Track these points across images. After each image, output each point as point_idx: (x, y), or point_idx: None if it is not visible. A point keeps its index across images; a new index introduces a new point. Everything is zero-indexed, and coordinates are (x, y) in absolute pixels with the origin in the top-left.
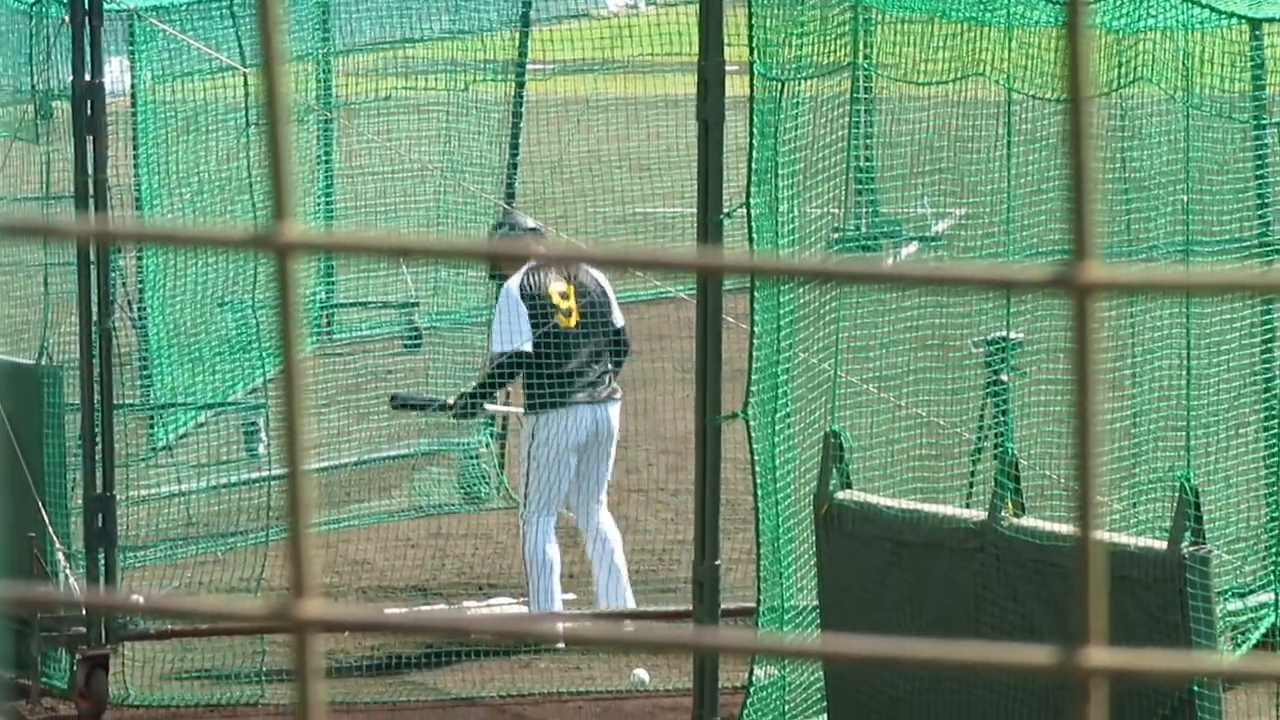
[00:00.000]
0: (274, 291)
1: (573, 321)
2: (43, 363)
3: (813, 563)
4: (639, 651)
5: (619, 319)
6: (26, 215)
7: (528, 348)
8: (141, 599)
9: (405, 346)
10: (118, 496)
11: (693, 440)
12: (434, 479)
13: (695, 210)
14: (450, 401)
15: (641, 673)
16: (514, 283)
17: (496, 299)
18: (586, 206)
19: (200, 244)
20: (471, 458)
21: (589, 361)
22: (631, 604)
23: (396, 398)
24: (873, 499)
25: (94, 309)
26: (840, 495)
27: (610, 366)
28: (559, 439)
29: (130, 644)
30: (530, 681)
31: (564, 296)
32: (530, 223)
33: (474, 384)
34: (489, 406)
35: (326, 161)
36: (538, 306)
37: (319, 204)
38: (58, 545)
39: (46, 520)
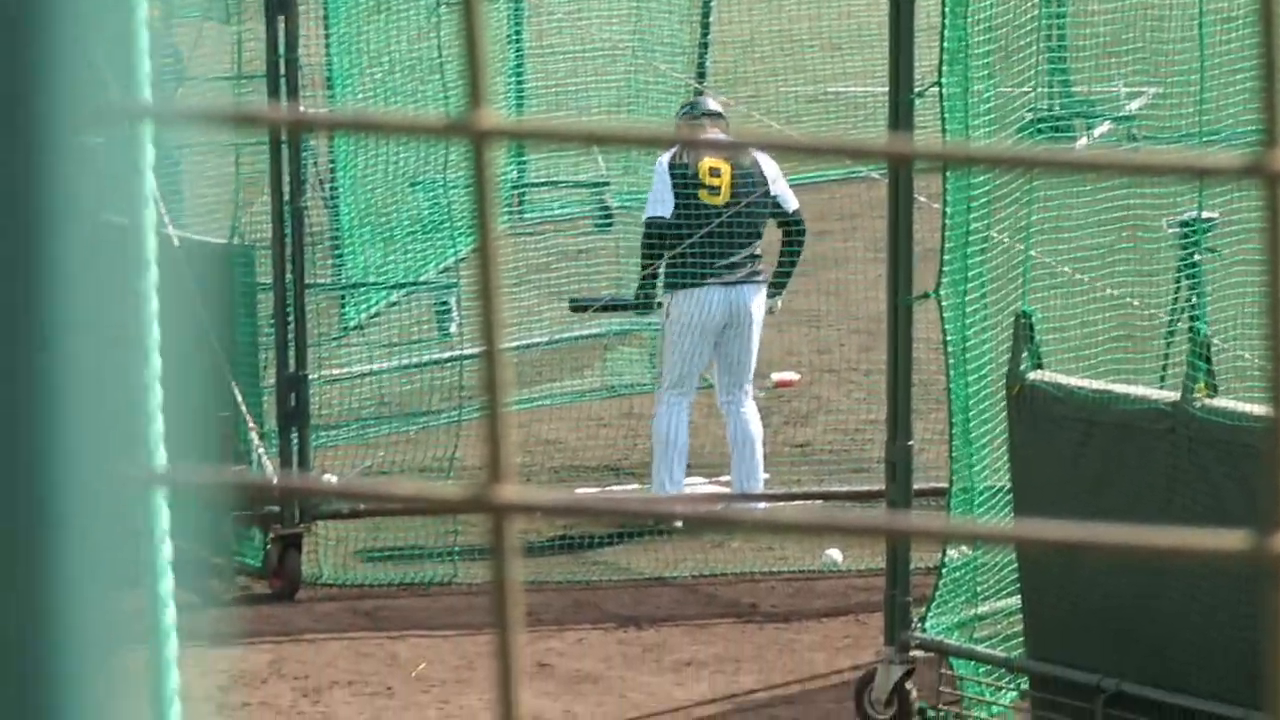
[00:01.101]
0: (470, 178)
1: (720, 199)
2: (234, 243)
3: (1004, 443)
4: (831, 535)
5: (792, 202)
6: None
7: (665, 214)
8: (335, 479)
9: (596, 226)
10: (310, 376)
11: (884, 320)
12: (626, 358)
13: (887, 89)
14: (629, 297)
15: (834, 553)
16: (666, 155)
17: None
18: (778, 86)
19: (395, 131)
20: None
21: (733, 242)
22: (759, 488)
23: (575, 301)
24: (1065, 379)
25: (285, 188)
26: (1032, 375)
27: (758, 250)
28: (692, 318)
29: (323, 523)
30: (722, 561)
31: (714, 173)
32: (713, 105)
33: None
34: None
35: (517, 41)
36: (684, 181)
37: (510, 84)
38: (250, 425)
39: (239, 400)
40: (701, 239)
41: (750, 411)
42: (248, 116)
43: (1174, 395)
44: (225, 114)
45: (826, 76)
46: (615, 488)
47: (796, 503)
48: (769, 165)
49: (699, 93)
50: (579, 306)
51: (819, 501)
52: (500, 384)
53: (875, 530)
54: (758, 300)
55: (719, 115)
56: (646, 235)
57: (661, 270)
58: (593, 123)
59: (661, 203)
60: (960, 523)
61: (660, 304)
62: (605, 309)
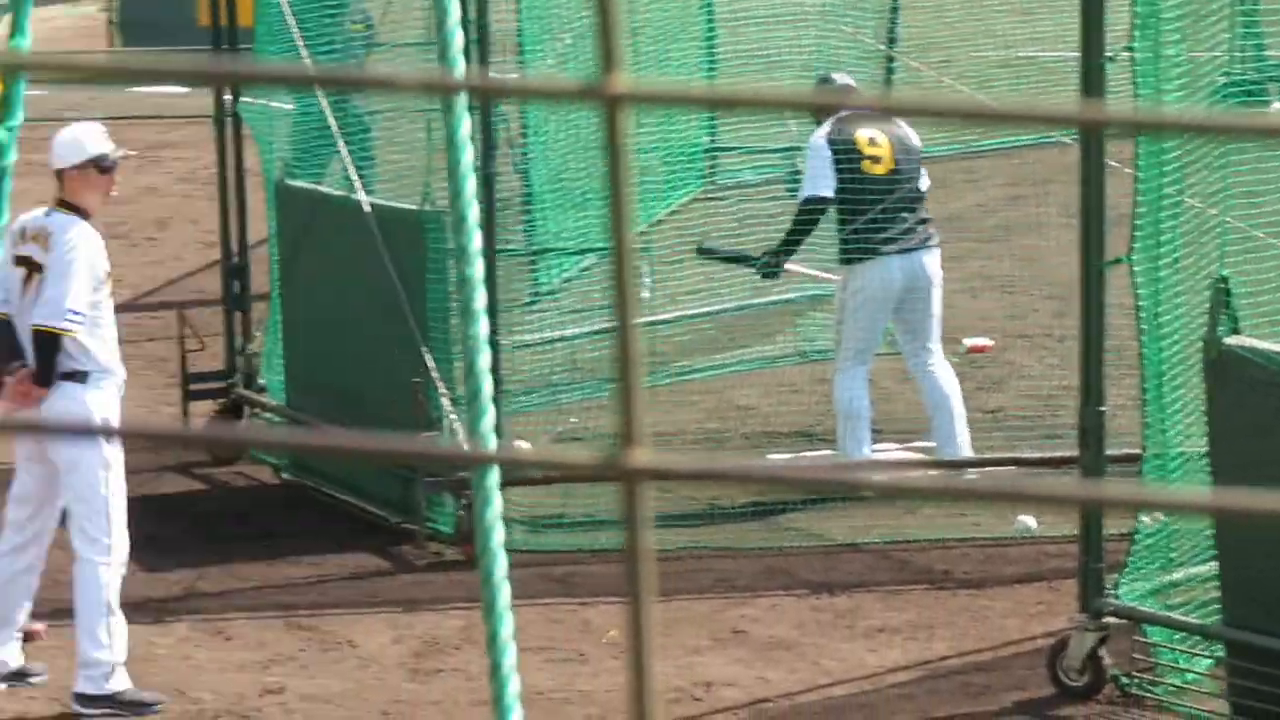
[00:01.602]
0: (604, 142)
1: (883, 168)
2: (425, 208)
3: (1199, 409)
4: (1023, 504)
5: (925, 180)
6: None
7: (828, 193)
8: (527, 445)
9: (787, 190)
10: (501, 341)
11: (1078, 285)
12: (818, 324)
13: (1078, 54)
14: (756, 256)
15: (1028, 520)
16: (822, 132)
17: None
18: (969, 51)
19: (531, 96)
20: None
21: (901, 209)
22: (966, 450)
23: (703, 247)
24: (1263, 344)
25: (476, 153)
26: (1229, 341)
27: (926, 213)
28: (871, 289)
29: (514, 489)
30: (915, 527)
31: (873, 143)
32: (846, 80)
33: (782, 239)
34: (790, 266)
35: (709, 8)
36: (845, 154)
37: (702, 50)
38: (441, 390)
39: (430, 365)
40: (869, 209)
41: (942, 371)
42: (380, 81)
43: None
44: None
45: (1018, 41)
46: (808, 453)
47: (988, 469)
48: (915, 135)
49: (890, 58)
50: (706, 253)
51: (1010, 468)
52: (632, 354)
53: (1068, 499)
54: (934, 263)
55: (851, 88)
56: (804, 213)
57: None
58: (725, 89)
59: (824, 181)
60: (1153, 490)
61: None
62: (728, 260)
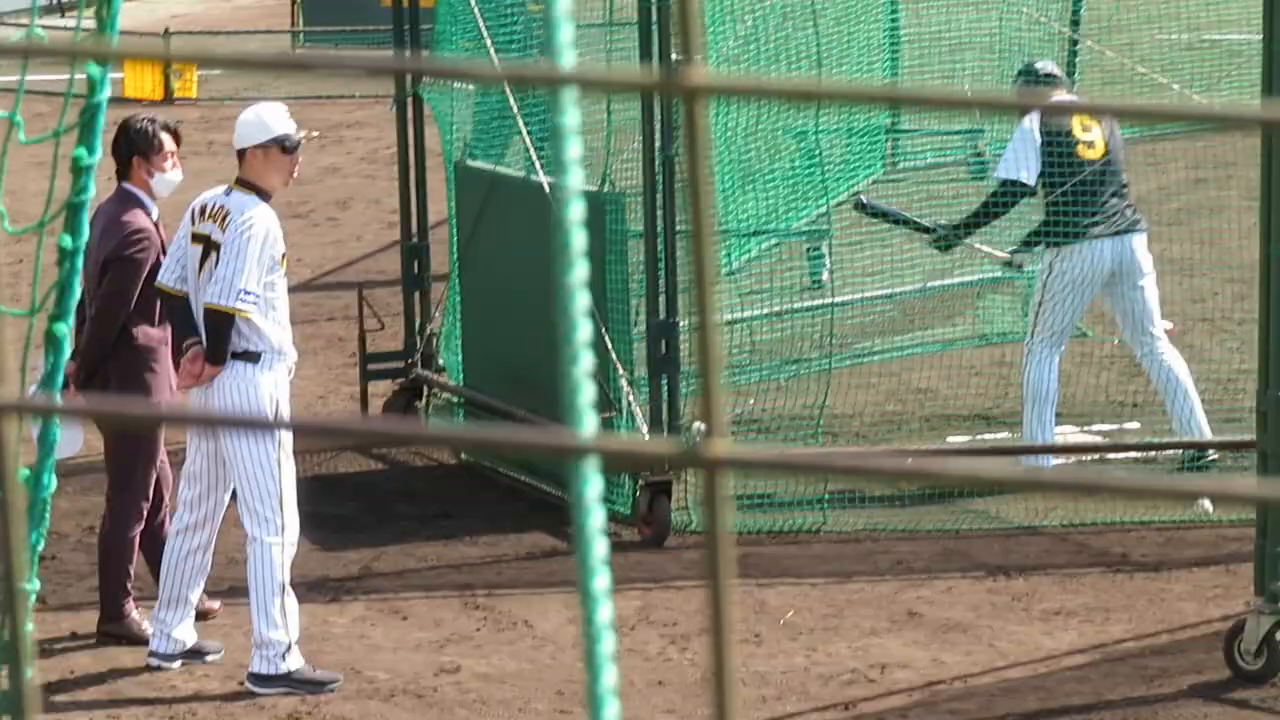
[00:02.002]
0: (684, 133)
1: (1097, 154)
2: (605, 190)
3: None
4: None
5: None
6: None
7: (1028, 180)
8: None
9: (970, 173)
10: (680, 323)
11: (1257, 269)
12: (999, 306)
13: (1261, 37)
14: (930, 226)
15: (1206, 503)
16: (1035, 116)
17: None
18: (1153, 33)
19: (611, 88)
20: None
21: (1111, 194)
22: (1206, 431)
23: (862, 203)
24: None
25: (657, 136)
26: None
27: (1133, 198)
28: (1076, 272)
29: (691, 470)
30: (1092, 510)
31: (1086, 129)
32: (1050, 67)
33: (967, 214)
34: (977, 245)
35: None
36: (1058, 138)
37: (886, 33)
38: (621, 372)
39: (610, 347)
40: (1084, 193)
41: (1169, 354)
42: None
43: None
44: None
45: (1203, 23)
46: (986, 436)
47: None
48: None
49: (1074, 41)
50: (866, 209)
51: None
52: (714, 345)
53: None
54: (1142, 247)
55: (1055, 78)
56: (1001, 194)
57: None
58: (802, 80)
59: (1025, 166)
60: None
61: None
62: (887, 218)
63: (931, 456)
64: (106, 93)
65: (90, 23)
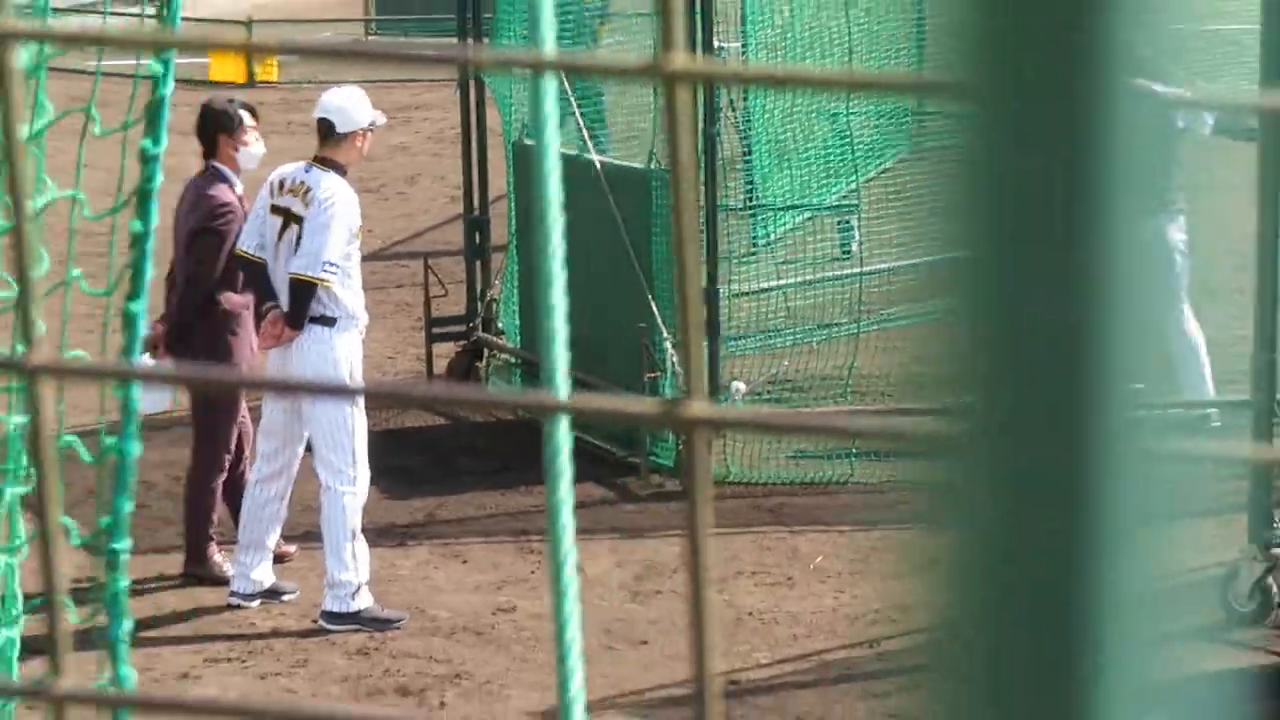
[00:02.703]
0: (665, 115)
1: None
2: (651, 166)
3: None
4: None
5: None
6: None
7: None
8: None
9: None
10: (721, 290)
11: (1254, 241)
12: None
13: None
14: None
15: None
16: None
17: None
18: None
19: (596, 73)
20: None
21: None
22: (1210, 393)
23: None
24: None
25: (700, 116)
26: None
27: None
28: None
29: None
30: None
31: None
32: None
33: None
34: None
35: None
36: None
37: (913, 22)
38: (665, 335)
39: (656, 312)
40: None
41: (1192, 328)
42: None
43: None
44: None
45: (1204, 14)
46: None
47: None
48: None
49: None
50: None
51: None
52: (697, 312)
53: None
54: (1177, 231)
55: None
56: None
57: None
58: (776, 67)
59: None
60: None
61: None
62: None
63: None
64: (171, 86)
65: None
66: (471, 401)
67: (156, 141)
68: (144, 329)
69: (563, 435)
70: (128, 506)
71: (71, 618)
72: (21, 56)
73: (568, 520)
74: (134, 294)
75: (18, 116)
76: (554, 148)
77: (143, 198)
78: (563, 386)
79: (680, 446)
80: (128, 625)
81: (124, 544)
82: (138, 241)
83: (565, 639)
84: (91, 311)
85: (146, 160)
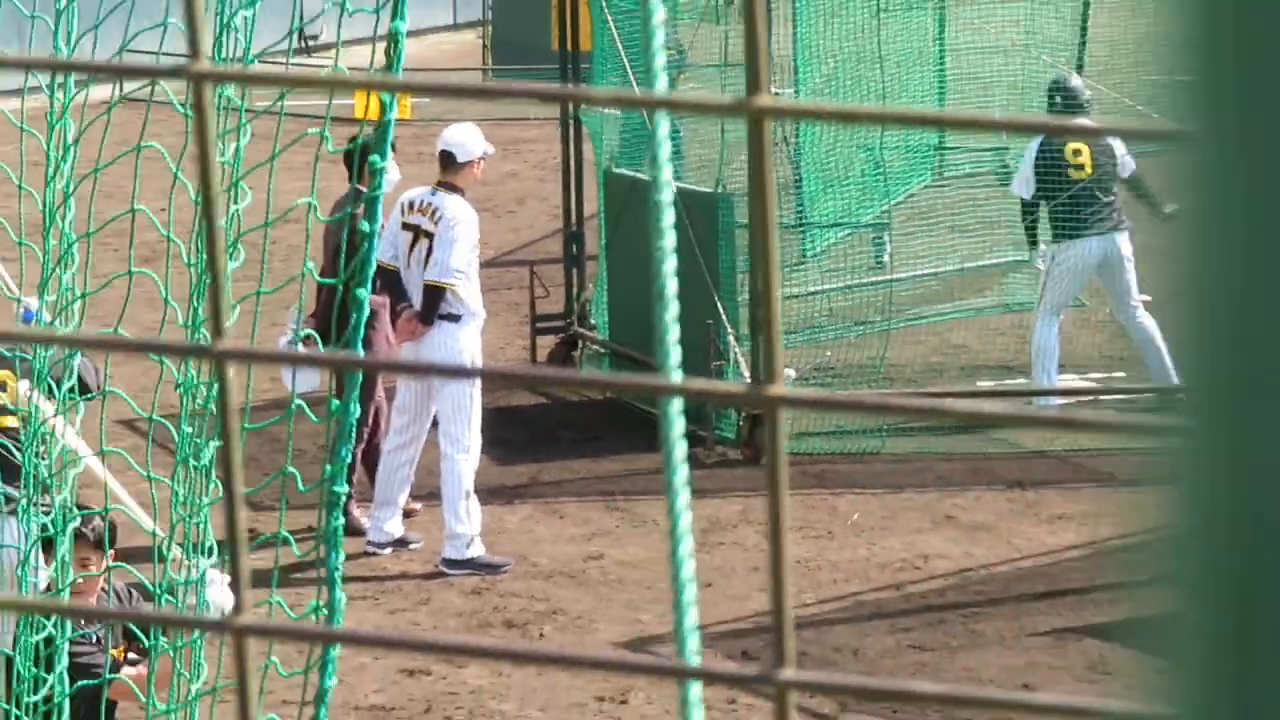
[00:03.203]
0: (750, 147)
1: (1085, 174)
2: (719, 191)
3: None
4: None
5: (1129, 168)
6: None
7: (1025, 194)
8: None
9: (998, 180)
10: (777, 294)
11: None
12: (1019, 282)
13: None
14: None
15: None
16: (1037, 139)
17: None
18: (1139, 74)
19: (687, 110)
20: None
21: (1099, 201)
22: (1175, 379)
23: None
24: None
25: None
26: None
27: (1118, 202)
28: (1071, 263)
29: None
30: (1088, 438)
31: (1077, 154)
32: (1076, 80)
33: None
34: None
35: (940, 39)
36: (1051, 159)
37: (935, 71)
38: (729, 330)
39: (721, 311)
40: (1076, 203)
41: (1146, 322)
42: (579, 96)
43: None
44: (679, 103)
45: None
46: (1007, 381)
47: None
48: (1116, 141)
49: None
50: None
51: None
52: (775, 309)
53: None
54: (1125, 241)
55: (1078, 98)
56: (1022, 206)
57: (1044, 223)
58: (851, 105)
59: (1025, 184)
60: None
61: (1037, 246)
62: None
63: (940, 398)
64: (395, 113)
65: (358, 60)
66: (592, 383)
67: (383, 156)
68: (364, 311)
69: (675, 411)
70: (348, 457)
71: (295, 552)
72: (220, 94)
73: (681, 482)
74: (361, 282)
75: (212, 146)
76: (668, 174)
77: (370, 204)
78: (674, 374)
79: (741, 422)
80: (342, 556)
81: (342, 488)
82: (366, 239)
83: (680, 580)
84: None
85: (374, 172)
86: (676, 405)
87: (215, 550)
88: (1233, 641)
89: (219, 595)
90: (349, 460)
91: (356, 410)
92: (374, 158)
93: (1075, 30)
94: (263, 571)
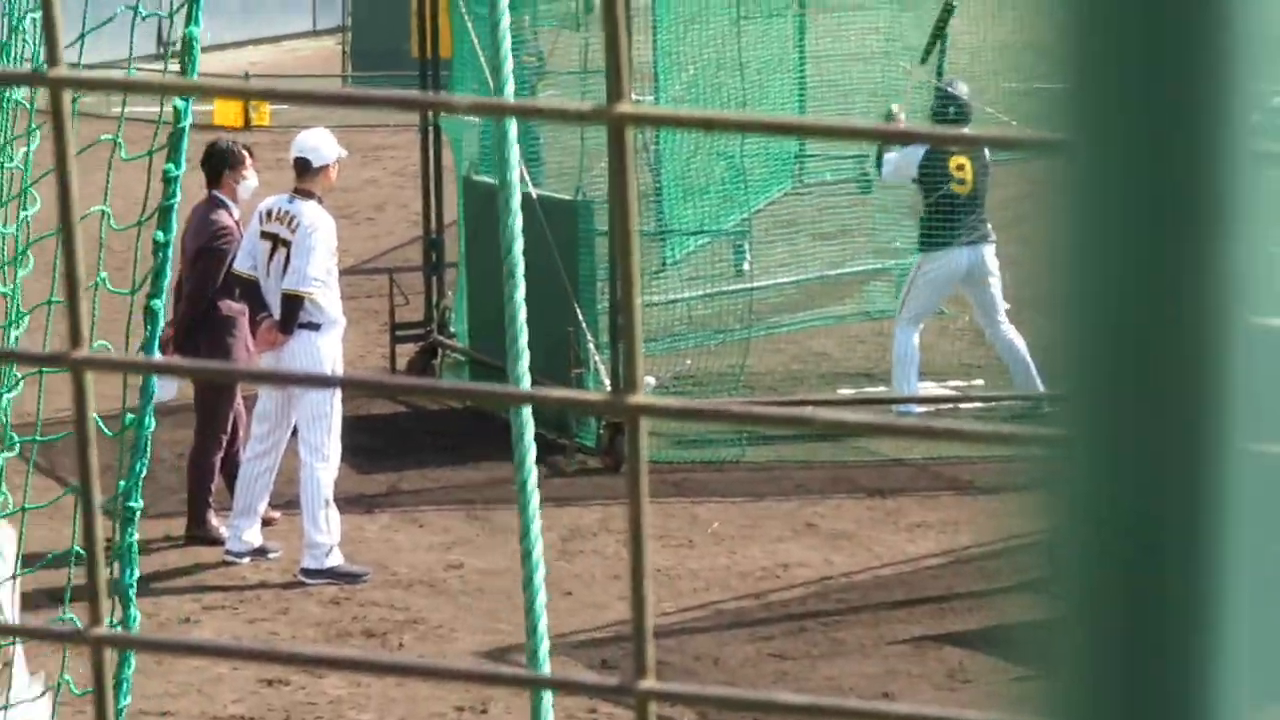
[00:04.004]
0: (611, 157)
1: (966, 189)
2: (579, 199)
3: None
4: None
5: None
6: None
7: (910, 174)
8: (653, 380)
9: (858, 188)
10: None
11: None
12: (879, 290)
13: None
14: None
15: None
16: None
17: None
18: (998, 82)
19: (549, 118)
20: (906, 275)
21: (973, 216)
22: (1041, 388)
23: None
24: None
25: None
26: None
27: (985, 216)
28: (938, 272)
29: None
30: (947, 447)
31: (960, 168)
32: (960, 85)
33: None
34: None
35: (800, 46)
36: (935, 169)
37: (795, 79)
38: (589, 338)
39: (581, 319)
40: (950, 215)
41: (1010, 334)
42: (440, 104)
43: None
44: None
45: (1037, 75)
46: (868, 389)
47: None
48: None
49: (938, 88)
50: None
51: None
52: (635, 316)
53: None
54: (990, 254)
55: (965, 107)
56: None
57: (914, 227)
58: (713, 112)
59: (902, 169)
60: None
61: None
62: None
63: (802, 406)
64: (189, 120)
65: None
66: (452, 391)
67: (177, 165)
68: (158, 323)
69: (527, 418)
70: (143, 471)
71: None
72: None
73: (533, 487)
74: (155, 293)
75: (70, 150)
76: (516, 177)
77: (164, 213)
78: (525, 382)
79: (601, 430)
80: (136, 573)
81: (137, 504)
82: (160, 249)
83: (533, 587)
84: (111, 315)
85: (168, 181)
86: (527, 413)
87: None
88: (1105, 647)
89: None
90: (143, 474)
91: (151, 424)
92: (168, 165)
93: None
94: (57, 589)
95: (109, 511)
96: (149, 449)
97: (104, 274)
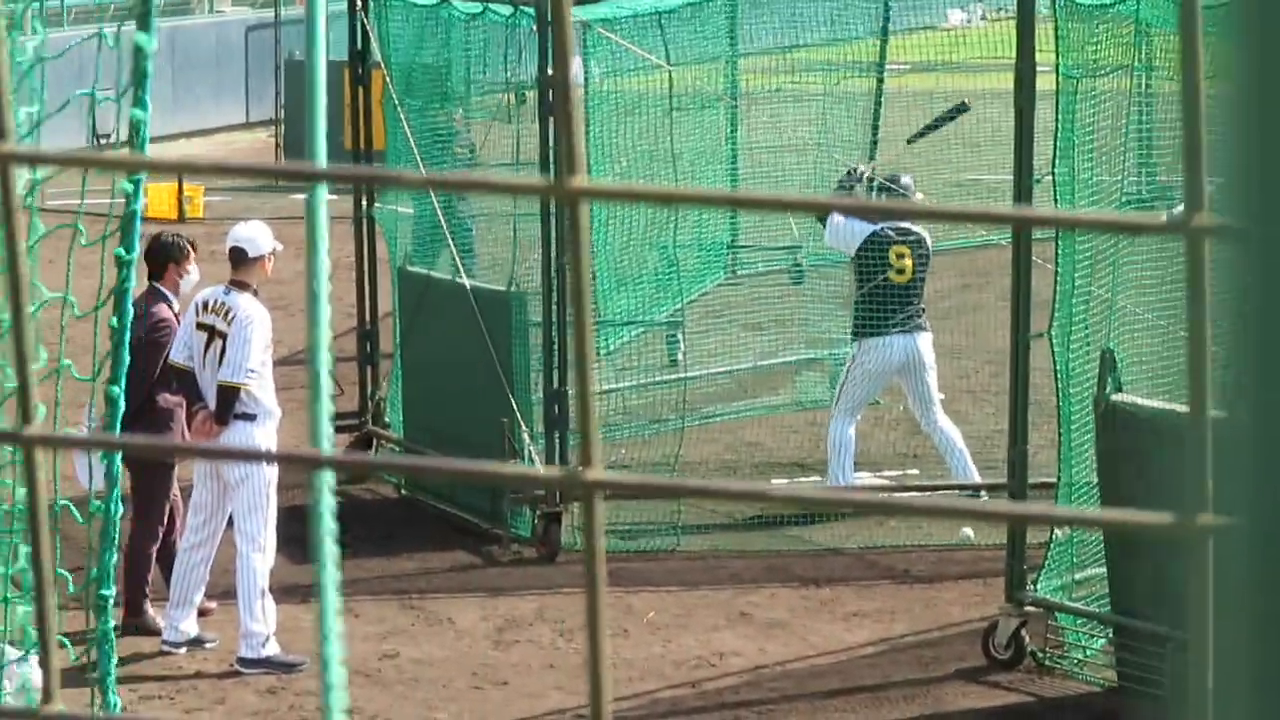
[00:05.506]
0: (569, 232)
1: (905, 278)
2: (512, 289)
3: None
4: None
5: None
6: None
7: (850, 246)
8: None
9: (791, 279)
10: (569, 391)
11: (1009, 353)
12: (811, 381)
13: (1012, 177)
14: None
15: (968, 530)
16: (866, 222)
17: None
18: (930, 174)
19: (507, 191)
20: (840, 365)
21: (910, 306)
22: (976, 478)
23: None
24: (1140, 400)
25: (552, 246)
26: (1115, 397)
27: (922, 305)
28: (872, 362)
29: (577, 503)
30: (882, 536)
31: (900, 256)
32: (908, 180)
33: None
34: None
35: (732, 138)
36: (874, 257)
37: (728, 170)
38: (523, 428)
39: (515, 408)
40: (887, 305)
41: (945, 424)
42: (391, 179)
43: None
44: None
45: (967, 167)
46: (801, 479)
47: (938, 493)
48: (928, 235)
49: (870, 179)
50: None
51: (956, 492)
52: (589, 393)
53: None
54: (926, 342)
55: (901, 185)
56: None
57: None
58: (668, 187)
59: (848, 241)
60: (1055, 508)
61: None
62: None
63: (758, 484)
64: (142, 201)
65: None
66: (406, 467)
67: (130, 249)
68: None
69: (326, 487)
70: (113, 559)
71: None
72: (20, 179)
73: (331, 551)
74: (114, 379)
75: (17, 227)
76: (323, 65)
77: (119, 297)
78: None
79: (536, 520)
80: (114, 659)
81: (110, 591)
82: (116, 334)
83: (329, 671)
84: (76, 397)
85: (121, 265)
86: (329, 480)
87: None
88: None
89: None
90: (115, 563)
91: (119, 510)
92: (119, 250)
93: (867, 129)
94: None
95: (79, 600)
96: (117, 535)
97: (66, 361)
